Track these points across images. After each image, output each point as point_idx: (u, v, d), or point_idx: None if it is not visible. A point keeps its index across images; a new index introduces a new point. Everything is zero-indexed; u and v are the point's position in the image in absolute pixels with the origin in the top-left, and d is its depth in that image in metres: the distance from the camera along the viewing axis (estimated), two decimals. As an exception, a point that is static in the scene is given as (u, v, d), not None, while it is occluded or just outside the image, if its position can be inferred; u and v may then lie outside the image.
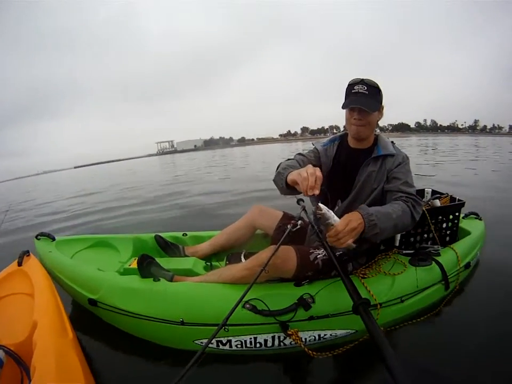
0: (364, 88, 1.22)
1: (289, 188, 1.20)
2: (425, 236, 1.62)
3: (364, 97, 1.22)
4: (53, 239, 1.78)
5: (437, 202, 1.65)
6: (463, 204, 1.71)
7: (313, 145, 1.49)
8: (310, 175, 1.02)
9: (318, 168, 1.06)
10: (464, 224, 1.86)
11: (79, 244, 1.82)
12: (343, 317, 1.20)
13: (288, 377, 1.20)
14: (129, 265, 1.53)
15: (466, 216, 2.01)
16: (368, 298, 1.14)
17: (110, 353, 1.33)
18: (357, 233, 1.05)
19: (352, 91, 1.24)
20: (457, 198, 1.74)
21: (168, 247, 1.76)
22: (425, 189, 1.80)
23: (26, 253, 1.56)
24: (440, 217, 1.64)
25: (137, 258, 1.44)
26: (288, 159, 1.41)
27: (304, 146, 25.46)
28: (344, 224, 1.02)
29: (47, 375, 0.82)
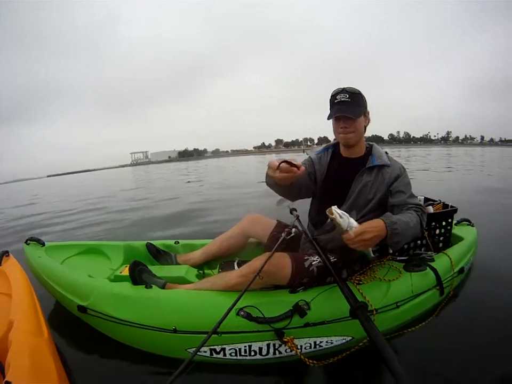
0: (346, 96, 1.23)
1: (281, 185, 1.22)
2: (419, 242, 1.63)
3: (346, 105, 1.23)
4: (43, 244, 1.75)
5: (430, 209, 1.66)
6: (455, 210, 1.73)
7: (307, 155, 1.49)
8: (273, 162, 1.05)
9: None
10: (456, 230, 1.88)
11: (69, 250, 1.78)
12: (339, 323, 1.19)
13: (284, 386, 1.17)
14: (120, 272, 1.50)
15: (458, 222, 2.04)
16: (365, 302, 1.13)
17: (98, 361, 1.29)
18: (371, 244, 1.07)
19: (335, 101, 1.26)
20: (449, 204, 1.76)
21: (160, 255, 1.73)
22: (418, 197, 1.81)
23: (6, 254, 1.57)
24: (434, 223, 1.66)
25: (128, 265, 1.42)
26: None
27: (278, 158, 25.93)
28: (356, 233, 1.03)
29: (21, 373, 0.84)
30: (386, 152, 1.38)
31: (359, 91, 1.27)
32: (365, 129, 1.34)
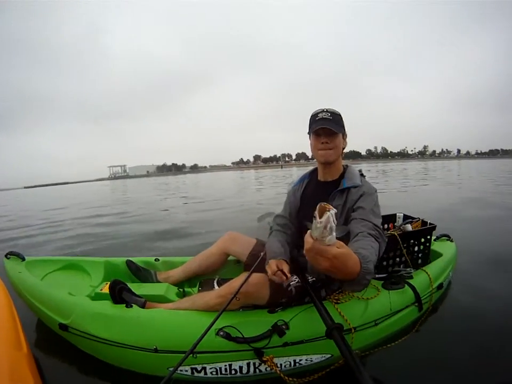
0: (328, 114, 1.28)
1: None
2: (398, 259, 1.66)
3: (328, 121, 1.26)
4: (23, 259, 1.71)
5: (409, 227, 1.70)
6: (434, 227, 1.77)
7: (288, 184, 1.56)
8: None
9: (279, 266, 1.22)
10: (435, 246, 1.93)
11: (49, 266, 1.75)
12: (318, 342, 1.21)
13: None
14: (101, 290, 1.49)
15: (438, 238, 2.08)
16: (341, 323, 1.16)
17: (79, 378, 1.28)
18: (319, 268, 0.79)
19: (317, 118, 1.29)
20: (428, 221, 1.80)
21: (140, 272, 1.72)
22: (397, 214, 1.85)
23: None
24: (412, 240, 1.70)
25: (108, 282, 1.41)
26: (272, 230, 1.51)
27: (257, 175, 26.58)
28: (319, 251, 0.74)
29: None
30: (362, 175, 1.37)
31: (339, 112, 1.31)
32: (342, 151, 1.36)
